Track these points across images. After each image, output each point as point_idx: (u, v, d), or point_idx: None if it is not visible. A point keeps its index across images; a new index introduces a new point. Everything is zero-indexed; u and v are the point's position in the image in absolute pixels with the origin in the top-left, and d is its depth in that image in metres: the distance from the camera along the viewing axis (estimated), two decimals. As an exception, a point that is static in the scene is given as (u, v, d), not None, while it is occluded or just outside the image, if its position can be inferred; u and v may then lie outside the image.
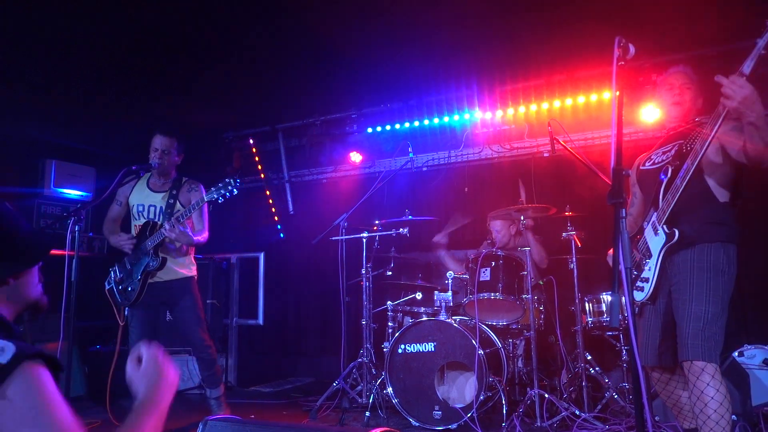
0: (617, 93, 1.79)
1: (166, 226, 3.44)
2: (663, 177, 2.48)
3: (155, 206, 3.67)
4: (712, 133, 2.25)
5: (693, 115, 2.64)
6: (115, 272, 3.70)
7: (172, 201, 3.56)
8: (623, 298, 1.52)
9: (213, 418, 2.05)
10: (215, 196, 3.43)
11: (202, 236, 3.67)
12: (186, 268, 3.72)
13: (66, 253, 3.02)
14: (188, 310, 3.66)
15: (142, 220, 3.69)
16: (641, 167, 2.72)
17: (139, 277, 3.57)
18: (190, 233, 3.51)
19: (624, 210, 1.60)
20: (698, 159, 2.32)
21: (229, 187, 3.38)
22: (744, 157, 2.28)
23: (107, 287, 3.72)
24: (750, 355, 3.62)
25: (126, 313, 3.68)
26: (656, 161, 2.62)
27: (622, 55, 1.83)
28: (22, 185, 5.75)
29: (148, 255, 3.56)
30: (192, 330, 3.67)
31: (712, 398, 2.28)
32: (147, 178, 3.79)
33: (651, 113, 4.47)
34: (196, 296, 3.70)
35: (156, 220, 3.65)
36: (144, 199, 3.73)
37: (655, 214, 2.51)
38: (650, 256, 2.53)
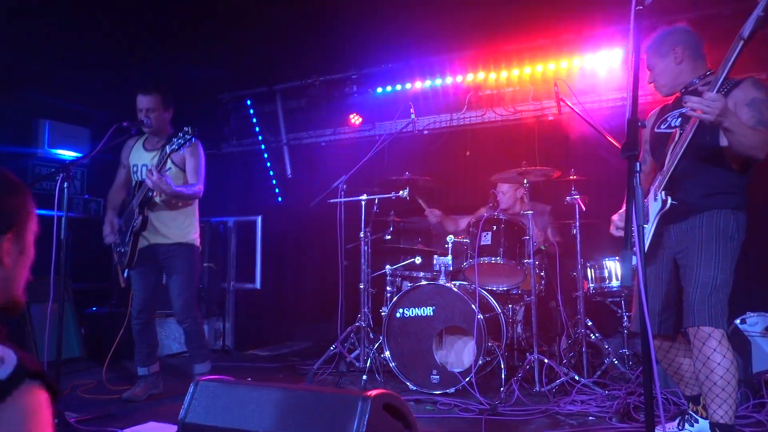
0: (634, 40, 1.67)
1: (146, 173, 3.31)
2: (672, 141, 2.39)
3: (147, 165, 3.54)
4: (691, 132, 2.26)
5: (680, 81, 2.52)
6: (115, 236, 3.62)
7: (156, 160, 3.39)
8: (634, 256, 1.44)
9: (205, 379, 2.00)
10: (175, 146, 3.27)
11: (191, 189, 3.50)
12: (181, 233, 3.58)
13: (55, 211, 2.92)
14: (175, 277, 3.54)
15: (135, 181, 3.60)
16: (656, 129, 2.61)
17: (128, 239, 3.49)
18: (170, 182, 3.31)
19: (639, 164, 1.51)
20: (695, 126, 2.25)
21: (187, 136, 3.23)
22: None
23: (113, 252, 3.65)
24: (752, 323, 3.58)
25: (125, 275, 3.61)
26: (672, 125, 2.51)
27: (641, 0, 1.70)
28: (15, 145, 5.64)
29: (134, 214, 3.47)
30: (173, 297, 3.55)
31: (719, 364, 2.22)
32: (144, 138, 3.68)
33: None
34: (189, 264, 3.56)
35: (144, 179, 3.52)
36: (138, 159, 3.64)
37: (659, 177, 2.43)
38: (647, 222, 2.46)
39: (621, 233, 2.54)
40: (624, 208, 2.62)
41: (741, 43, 2.01)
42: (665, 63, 2.53)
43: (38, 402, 0.96)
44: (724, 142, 2.32)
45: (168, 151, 3.29)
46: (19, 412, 0.93)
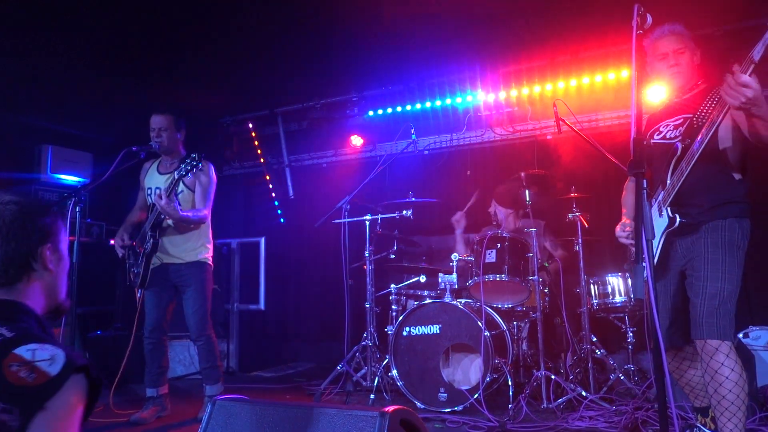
0: (636, 62, 1.74)
1: (155, 197, 3.39)
2: (673, 155, 2.42)
3: (160, 188, 3.58)
4: (718, 121, 2.20)
5: (695, 77, 2.54)
6: (129, 257, 3.69)
7: (167, 185, 3.45)
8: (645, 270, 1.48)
9: (222, 397, 2.02)
10: (183, 172, 3.35)
11: (197, 214, 3.56)
12: (193, 253, 3.63)
13: (66, 235, 2.95)
14: (191, 295, 3.59)
15: (150, 203, 3.67)
16: (651, 140, 2.64)
17: (140, 260, 3.55)
18: (178, 208, 3.37)
19: (645, 181, 1.56)
20: (704, 144, 2.26)
21: (194, 162, 3.33)
22: (751, 138, 2.23)
23: (127, 272, 3.71)
24: (755, 337, 3.61)
25: (139, 295, 3.66)
26: (667, 136, 2.54)
27: (641, 24, 1.78)
28: (18, 171, 5.68)
29: (146, 236, 3.54)
30: (188, 316, 3.60)
31: (727, 378, 2.23)
32: (159, 161, 3.78)
33: (656, 92, 4.42)
34: (202, 283, 3.61)
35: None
36: (152, 182, 3.72)
37: (662, 193, 2.45)
38: (653, 236, 2.47)
39: (626, 242, 2.59)
40: (624, 219, 2.68)
41: (752, 66, 1.96)
42: (689, 56, 2.53)
43: (75, 405, 1.10)
44: (722, 160, 2.36)
45: (176, 177, 3.37)
46: (64, 404, 1.08)
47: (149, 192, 3.70)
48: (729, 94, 1.98)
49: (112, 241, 5.78)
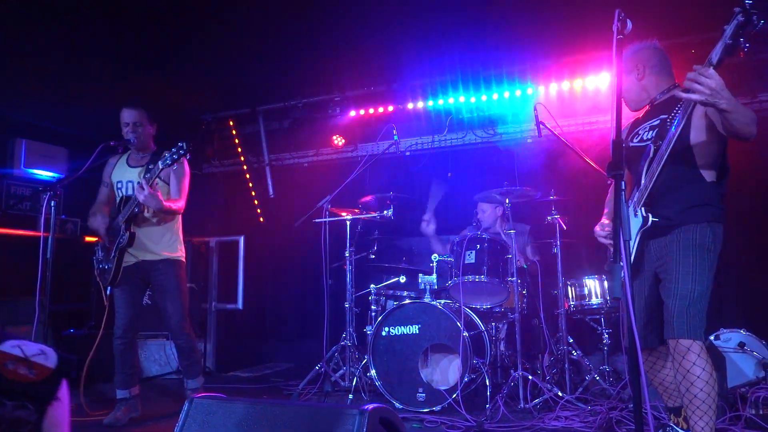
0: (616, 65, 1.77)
1: (136, 187, 3.32)
2: (647, 156, 2.46)
3: (132, 182, 3.53)
4: (683, 120, 2.25)
5: (644, 97, 2.61)
6: (97, 252, 3.58)
7: (148, 175, 3.38)
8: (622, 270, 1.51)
9: (199, 396, 2.00)
10: (169, 161, 3.29)
11: (176, 204, 3.52)
12: (170, 248, 3.57)
13: (41, 233, 2.89)
14: (168, 294, 3.52)
15: (120, 197, 3.58)
16: (630, 143, 2.68)
17: (113, 255, 3.44)
18: (160, 197, 3.34)
19: (624, 182, 1.59)
20: (672, 143, 2.30)
21: (182, 152, 3.29)
22: (728, 134, 2.25)
23: (95, 268, 3.59)
24: (726, 339, 3.70)
25: (107, 293, 3.53)
26: (644, 138, 2.58)
27: (621, 29, 1.81)
28: (-9, 165, 5.55)
29: (120, 230, 3.44)
30: (167, 315, 3.53)
31: (698, 377, 2.28)
32: (127, 155, 3.69)
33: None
34: (178, 280, 3.56)
35: (131, 194, 3.51)
36: (122, 175, 3.62)
37: (637, 193, 2.49)
38: (629, 237, 2.51)
39: (605, 241, 2.64)
40: (603, 219, 2.72)
41: (710, 68, 2.00)
42: (629, 79, 2.63)
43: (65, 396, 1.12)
44: (697, 160, 2.40)
45: (161, 166, 3.29)
46: (66, 393, 1.10)
47: (119, 186, 3.60)
48: (693, 89, 1.98)
49: (87, 238, 5.71)
